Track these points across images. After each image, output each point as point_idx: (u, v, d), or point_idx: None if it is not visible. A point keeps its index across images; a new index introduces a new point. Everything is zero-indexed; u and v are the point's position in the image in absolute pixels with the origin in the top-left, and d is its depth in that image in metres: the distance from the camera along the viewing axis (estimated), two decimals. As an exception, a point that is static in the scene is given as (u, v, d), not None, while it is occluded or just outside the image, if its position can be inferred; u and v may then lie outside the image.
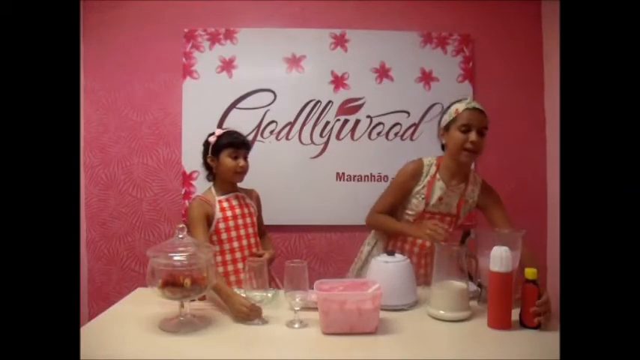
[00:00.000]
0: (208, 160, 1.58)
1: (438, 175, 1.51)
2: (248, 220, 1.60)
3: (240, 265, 1.55)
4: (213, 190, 1.58)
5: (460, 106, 1.45)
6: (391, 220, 1.54)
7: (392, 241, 1.58)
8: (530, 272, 1.14)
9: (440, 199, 1.49)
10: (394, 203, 1.54)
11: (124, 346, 1.07)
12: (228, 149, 1.54)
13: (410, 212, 1.53)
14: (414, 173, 1.52)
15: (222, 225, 1.53)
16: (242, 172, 1.57)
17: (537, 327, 1.12)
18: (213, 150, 1.56)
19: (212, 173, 1.61)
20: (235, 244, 1.55)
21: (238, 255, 1.56)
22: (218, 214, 1.53)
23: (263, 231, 1.72)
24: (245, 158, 1.58)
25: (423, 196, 1.49)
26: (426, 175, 1.51)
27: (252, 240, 1.61)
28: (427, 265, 1.55)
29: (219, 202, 1.55)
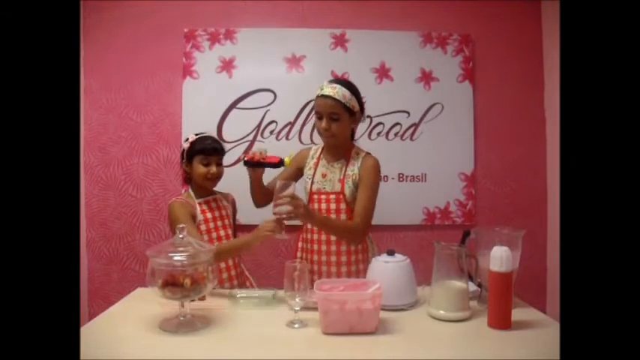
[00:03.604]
0: (183, 165, 1.60)
1: (322, 156, 1.65)
2: (226, 221, 1.63)
3: (222, 265, 1.57)
4: (191, 192, 1.60)
5: (317, 93, 1.53)
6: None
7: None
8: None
9: (323, 175, 1.61)
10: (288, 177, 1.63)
11: (123, 346, 1.07)
12: (199, 155, 1.55)
13: (303, 193, 1.61)
14: (300, 153, 1.73)
15: (203, 227, 1.55)
16: (212, 178, 1.57)
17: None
18: (186, 156, 1.58)
19: (189, 177, 1.62)
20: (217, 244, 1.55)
21: None
22: (200, 217, 1.55)
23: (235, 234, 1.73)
24: (219, 164, 1.58)
25: (309, 176, 1.63)
26: (312, 157, 1.67)
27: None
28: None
29: (199, 204, 1.57)
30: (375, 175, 1.56)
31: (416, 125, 2.33)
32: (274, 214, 1.33)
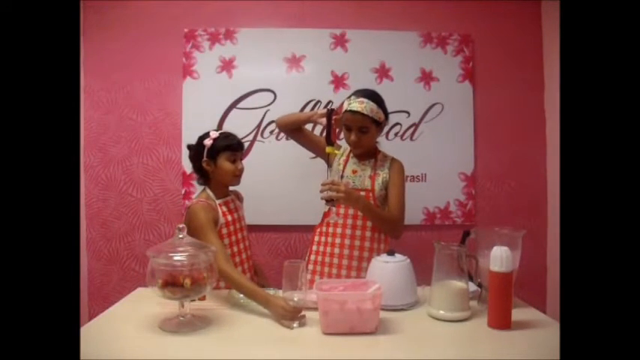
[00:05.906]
0: (204, 164, 1.51)
1: (351, 155, 1.72)
2: (243, 223, 1.61)
3: (246, 266, 1.56)
4: (210, 194, 1.52)
5: (344, 106, 1.59)
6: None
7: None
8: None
9: (354, 171, 1.68)
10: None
11: (123, 346, 1.07)
12: (226, 152, 1.50)
13: None
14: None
15: (224, 230, 1.50)
16: (240, 174, 1.55)
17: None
18: (209, 153, 1.50)
19: (206, 177, 1.54)
20: (235, 248, 1.54)
21: (243, 257, 1.57)
22: (221, 219, 1.49)
23: None
24: (241, 160, 1.57)
25: (339, 171, 1.69)
26: (342, 155, 1.74)
27: (247, 242, 1.62)
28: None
29: (220, 206, 1.51)
30: (403, 176, 1.67)
31: (416, 125, 2.33)
32: (321, 199, 1.43)
